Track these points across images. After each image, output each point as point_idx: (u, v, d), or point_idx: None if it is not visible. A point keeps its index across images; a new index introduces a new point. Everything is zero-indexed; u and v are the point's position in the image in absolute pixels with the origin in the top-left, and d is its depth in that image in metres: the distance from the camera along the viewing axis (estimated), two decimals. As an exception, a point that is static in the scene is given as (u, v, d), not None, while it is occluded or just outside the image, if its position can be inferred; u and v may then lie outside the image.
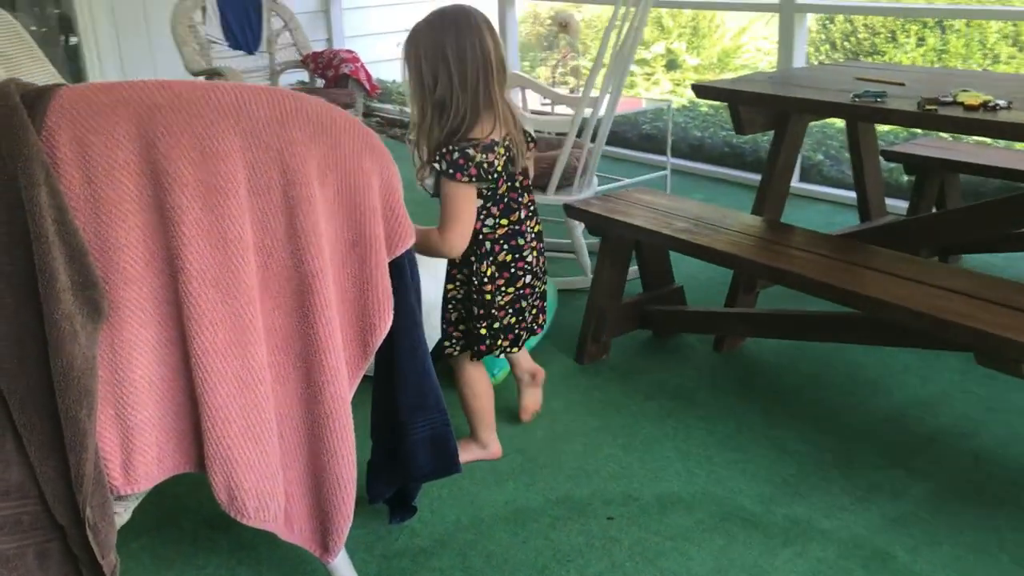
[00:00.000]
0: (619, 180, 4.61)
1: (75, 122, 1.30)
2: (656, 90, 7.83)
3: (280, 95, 1.40)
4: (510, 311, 2.19)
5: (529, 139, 2.16)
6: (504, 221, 2.11)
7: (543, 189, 3.39)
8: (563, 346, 2.97)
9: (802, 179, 4.56)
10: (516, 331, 2.23)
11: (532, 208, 2.20)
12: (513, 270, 2.16)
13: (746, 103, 2.73)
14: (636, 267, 2.97)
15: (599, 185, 4.39)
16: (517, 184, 2.12)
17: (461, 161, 1.93)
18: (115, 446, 1.41)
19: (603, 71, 3.29)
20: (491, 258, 2.12)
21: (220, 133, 1.36)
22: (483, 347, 2.19)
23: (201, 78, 4.73)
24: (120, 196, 1.34)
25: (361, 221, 1.52)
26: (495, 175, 2.00)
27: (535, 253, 2.21)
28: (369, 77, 4.79)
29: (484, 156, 1.95)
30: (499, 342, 2.20)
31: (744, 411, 2.54)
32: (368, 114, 6.94)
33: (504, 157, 2.01)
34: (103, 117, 1.31)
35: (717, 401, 2.60)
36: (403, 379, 1.72)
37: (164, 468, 1.49)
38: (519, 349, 2.27)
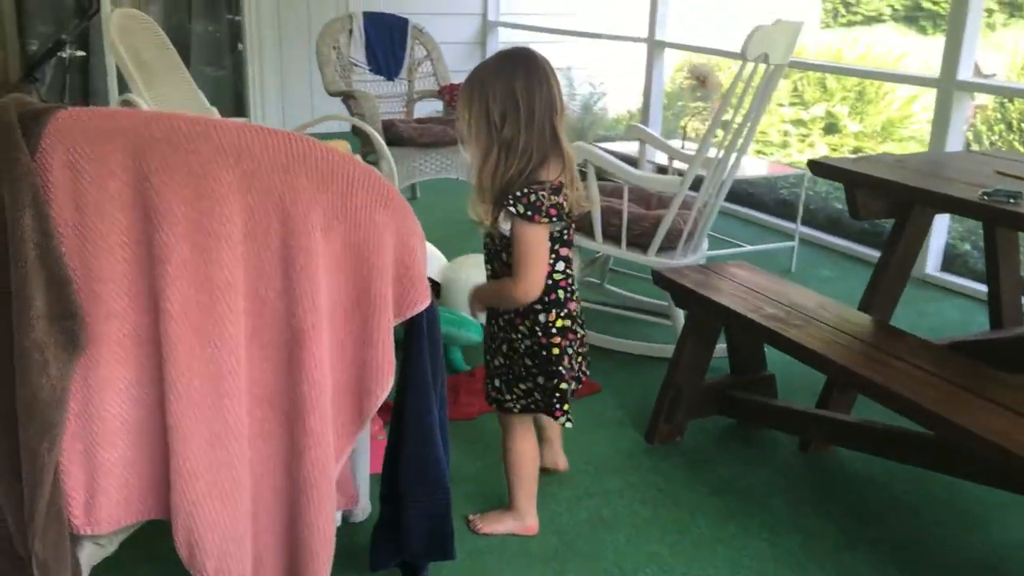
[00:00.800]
0: (740, 246, 4.36)
1: (70, 147, 1.25)
2: (809, 153, 7.47)
3: (288, 139, 1.31)
4: (569, 372, 2.08)
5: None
6: (567, 269, 2.06)
7: (643, 249, 3.22)
8: (636, 419, 2.78)
9: (944, 269, 4.18)
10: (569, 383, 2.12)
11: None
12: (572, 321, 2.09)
13: (863, 187, 2.48)
14: (725, 344, 2.75)
15: (715, 249, 4.17)
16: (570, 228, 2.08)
17: (538, 203, 1.89)
18: (80, 483, 1.35)
19: (722, 128, 3.10)
20: (563, 309, 2.04)
21: (217, 173, 1.28)
22: (560, 408, 2.07)
23: (338, 99, 4.80)
24: (108, 228, 1.28)
25: (367, 278, 1.41)
26: (564, 217, 1.96)
27: (576, 298, 2.13)
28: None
29: (555, 198, 1.92)
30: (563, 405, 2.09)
31: (816, 526, 2.28)
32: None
33: (567, 200, 1.97)
34: (98, 144, 1.25)
35: (789, 509, 2.34)
36: (406, 448, 1.60)
37: (131, 512, 1.41)
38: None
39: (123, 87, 3.78)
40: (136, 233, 1.29)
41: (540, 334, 2.03)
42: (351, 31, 4.95)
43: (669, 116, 6.39)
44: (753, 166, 4.67)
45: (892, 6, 17.77)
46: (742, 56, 2.89)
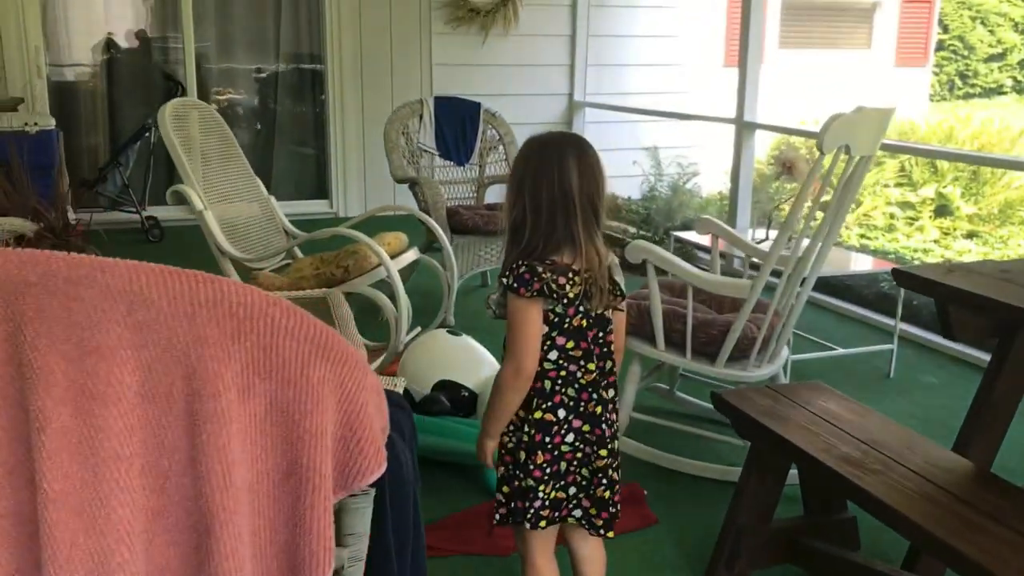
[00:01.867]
0: (832, 348, 3.96)
1: (-68, 291, 1.04)
2: (918, 238, 6.96)
3: (193, 280, 1.07)
4: (547, 474, 1.84)
5: (617, 291, 1.87)
6: (571, 366, 1.83)
7: (711, 359, 2.88)
8: (696, 561, 2.42)
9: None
10: (558, 502, 1.87)
11: (605, 367, 1.87)
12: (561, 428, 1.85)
13: (956, 303, 2.11)
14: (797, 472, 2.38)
15: (802, 353, 3.77)
16: (592, 324, 1.83)
17: (527, 276, 1.75)
18: None
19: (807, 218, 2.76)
20: (546, 402, 1.82)
21: (105, 324, 1.05)
22: (531, 514, 1.85)
23: (404, 186, 4.65)
24: (-24, 387, 1.06)
25: (298, 446, 1.15)
26: (564, 299, 1.78)
27: (600, 422, 1.86)
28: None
29: (552, 275, 1.76)
30: (541, 511, 1.85)
31: None
32: (593, 230, 6.67)
33: (579, 286, 1.78)
34: (-36, 289, 1.04)
35: None
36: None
37: None
38: (556, 523, 1.90)
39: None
40: (11, 394, 1.07)
41: (520, 426, 1.85)
42: (421, 116, 4.82)
43: (764, 199, 6.04)
44: (838, 260, 4.27)
45: (1015, 77, 16.91)
46: (818, 148, 2.57)
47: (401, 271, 3.73)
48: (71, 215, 4.59)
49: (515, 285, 1.76)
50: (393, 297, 3.33)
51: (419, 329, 3.93)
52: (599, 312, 1.81)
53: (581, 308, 1.79)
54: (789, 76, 8.34)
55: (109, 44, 6.80)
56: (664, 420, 3.20)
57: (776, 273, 2.86)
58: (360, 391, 1.19)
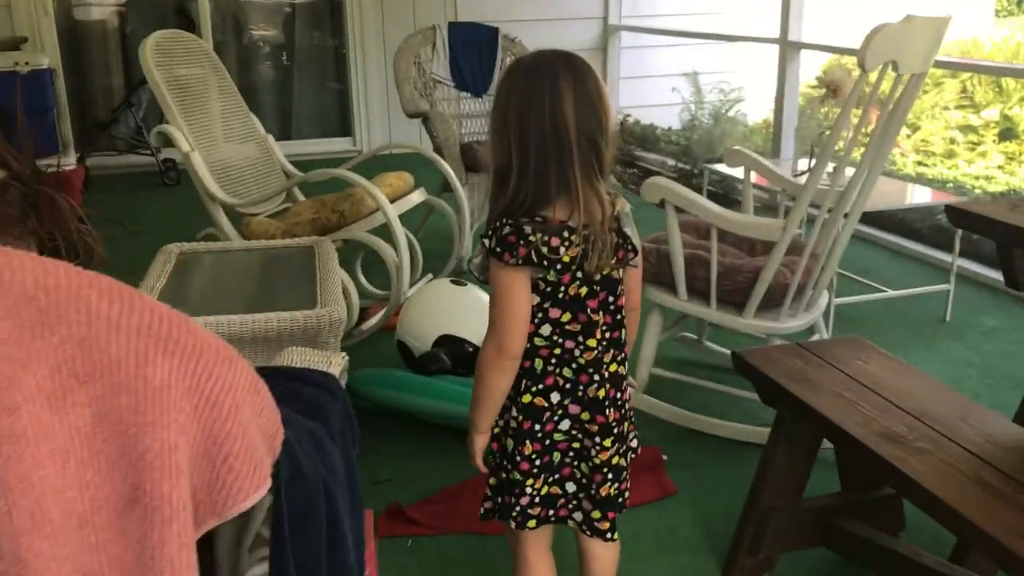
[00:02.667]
0: (881, 290, 3.59)
1: None
2: (980, 164, 6.46)
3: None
4: (536, 466, 1.56)
5: (628, 246, 1.53)
6: (568, 343, 1.52)
7: (739, 308, 2.56)
8: (717, 540, 2.15)
9: None
10: (552, 499, 1.60)
11: (612, 338, 1.56)
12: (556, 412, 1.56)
13: (1022, 246, 1.76)
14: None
15: (847, 295, 3.43)
16: (593, 292, 1.51)
17: (512, 238, 1.44)
18: None
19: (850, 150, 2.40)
20: (537, 384, 1.54)
21: None
22: (519, 512, 1.58)
23: (417, 120, 4.34)
24: None
25: (139, 467, 0.88)
26: (557, 265, 1.46)
27: (603, 407, 1.55)
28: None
29: (543, 236, 1.44)
30: (529, 510, 1.57)
31: None
32: (629, 163, 6.30)
33: (577, 247, 1.46)
34: None
35: None
36: None
37: None
38: (552, 522, 1.62)
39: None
40: None
41: (508, 409, 1.56)
42: (434, 44, 4.48)
43: (812, 125, 5.60)
44: (887, 193, 3.88)
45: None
46: (860, 64, 2.20)
47: (410, 214, 3.45)
48: (69, 159, 4.37)
49: (498, 250, 1.45)
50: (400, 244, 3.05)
51: (430, 277, 3.66)
52: (604, 274, 1.50)
53: (579, 274, 1.48)
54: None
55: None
56: (688, 376, 2.90)
57: (816, 208, 2.53)
58: (226, 393, 0.91)
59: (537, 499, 1.56)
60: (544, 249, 1.43)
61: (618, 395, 1.56)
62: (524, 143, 1.44)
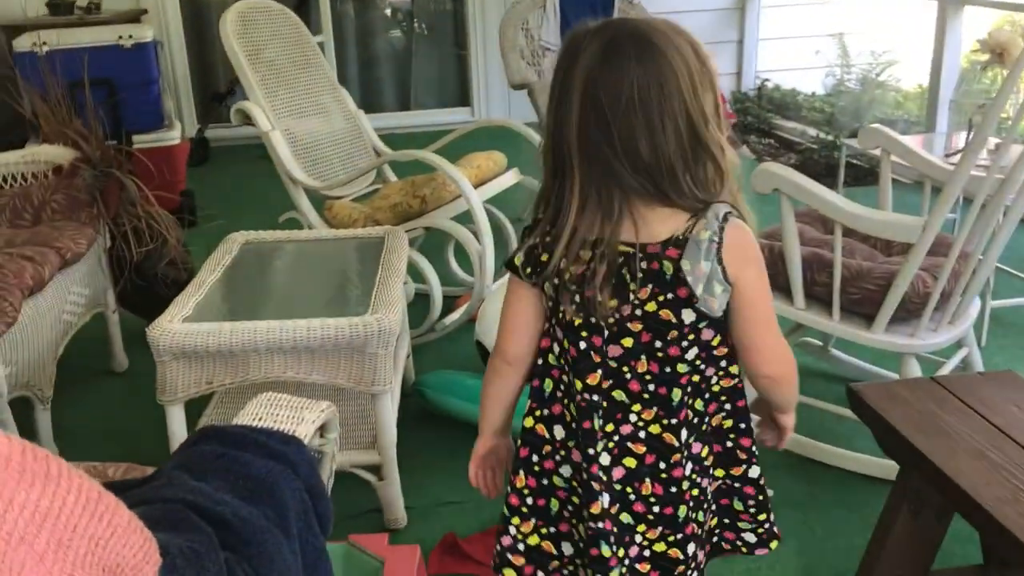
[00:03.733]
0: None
1: None
2: None
3: None
4: (527, 505, 1.31)
5: (675, 284, 1.18)
6: (567, 375, 1.26)
7: (868, 321, 2.16)
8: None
9: None
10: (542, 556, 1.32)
11: (658, 394, 1.24)
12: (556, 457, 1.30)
13: None
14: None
15: (1000, 299, 2.92)
16: (594, 328, 1.22)
17: (522, 239, 1.28)
18: None
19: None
20: (543, 408, 1.29)
21: None
22: (496, 547, 1.34)
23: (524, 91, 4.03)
24: None
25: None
26: (545, 279, 1.22)
27: (589, 474, 1.24)
28: (723, 101, 3.72)
29: (541, 241, 1.22)
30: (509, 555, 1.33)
31: None
32: (766, 132, 5.80)
33: (583, 266, 1.18)
34: None
35: None
36: None
37: None
38: None
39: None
40: None
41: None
42: (544, 8, 4.14)
43: (973, 93, 4.96)
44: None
45: None
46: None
47: (510, 196, 3.17)
48: (173, 134, 4.29)
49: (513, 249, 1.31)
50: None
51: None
52: (609, 319, 1.19)
53: (577, 298, 1.19)
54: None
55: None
56: (808, 392, 2.49)
57: (968, 199, 2.09)
58: (110, 533, 0.65)
59: (521, 546, 1.31)
60: (543, 258, 1.21)
61: (661, 466, 1.24)
62: (556, 135, 1.18)
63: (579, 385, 1.22)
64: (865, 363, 2.69)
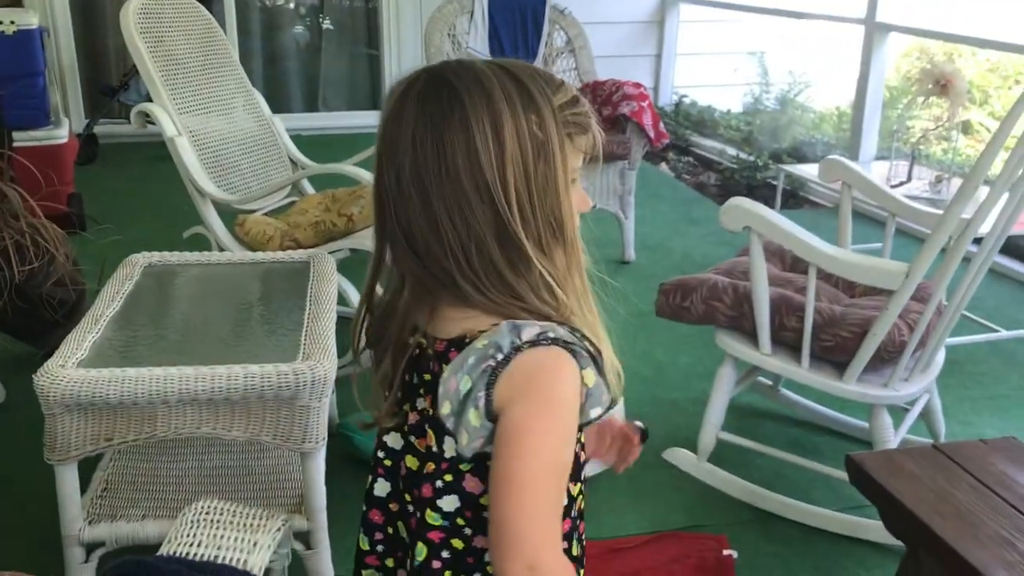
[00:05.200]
0: (994, 330, 3.00)
1: None
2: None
3: None
4: None
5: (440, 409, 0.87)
6: None
7: (839, 369, 2.02)
8: None
9: None
10: None
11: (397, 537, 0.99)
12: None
13: None
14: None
15: (954, 335, 2.84)
16: (387, 452, 1.00)
17: None
18: None
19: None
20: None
21: None
22: None
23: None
24: None
25: None
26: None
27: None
28: (656, 121, 3.58)
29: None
30: None
31: None
32: (684, 150, 5.72)
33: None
34: None
35: None
36: None
37: None
38: None
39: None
40: None
41: None
42: (472, 13, 3.92)
43: (893, 117, 4.97)
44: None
45: None
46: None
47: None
48: (61, 131, 3.89)
49: None
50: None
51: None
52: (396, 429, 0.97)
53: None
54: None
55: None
56: (759, 439, 2.34)
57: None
58: None
59: None
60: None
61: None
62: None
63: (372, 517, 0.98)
64: (817, 405, 2.56)
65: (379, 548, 0.98)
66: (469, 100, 0.84)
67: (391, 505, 0.96)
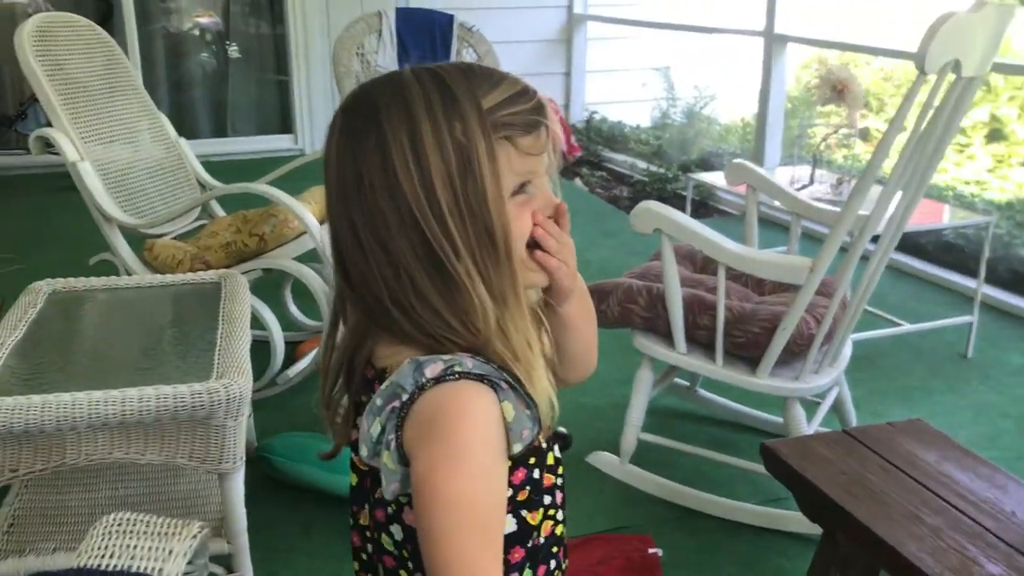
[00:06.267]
0: (896, 323, 3.11)
1: None
2: (970, 167, 6.06)
3: None
4: None
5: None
6: None
7: (751, 365, 2.07)
8: None
9: None
10: None
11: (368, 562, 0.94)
12: None
13: None
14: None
15: (859, 331, 2.93)
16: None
17: None
18: None
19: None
20: None
21: None
22: None
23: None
24: None
25: None
26: None
27: None
28: (568, 134, 3.64)
29: None
30: None
31: None
32: (597, 165, 5.80)
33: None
34: None
35: None
36: None
37: None
38: None
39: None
40: None
41: None
42: (380, 33, 3.92)
43: (795, 126, 5.14)
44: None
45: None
46: (919, 66, 1.71)
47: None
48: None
49: None
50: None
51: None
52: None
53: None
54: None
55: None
56: (679, 438, 2.38)
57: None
58: None
59: None
60: None
61: None
62: None
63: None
64: (734, 403, 2.62)
65: (363, 572, 0.94)
66: (386, 116, 0.79)
67: (368, 532, 0.91)
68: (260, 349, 2.62)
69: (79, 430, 1.61)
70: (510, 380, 0.80)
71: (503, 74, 0.84)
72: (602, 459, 2.33)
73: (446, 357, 0.79)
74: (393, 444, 0.78)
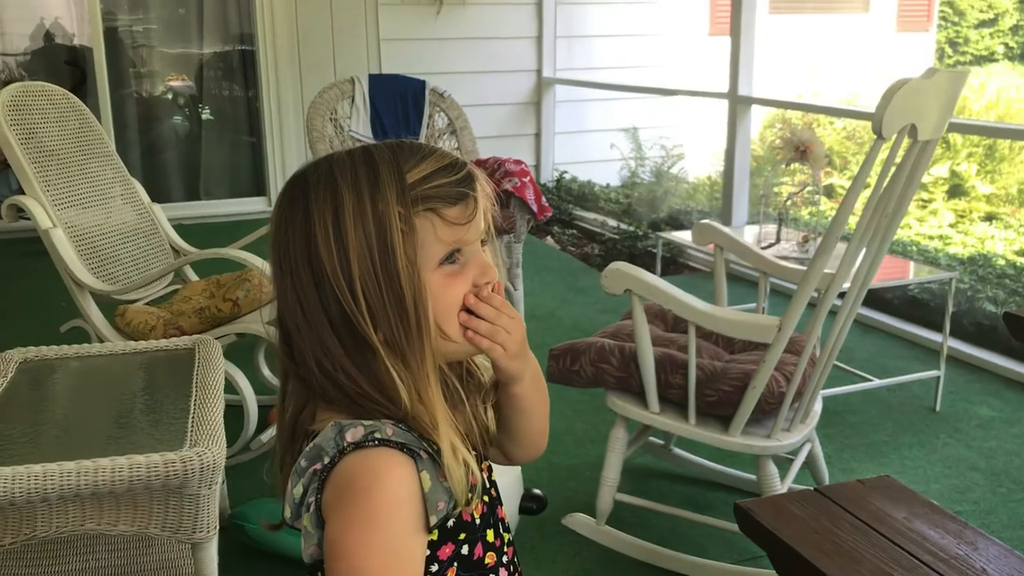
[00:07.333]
0: (866, 379, 3.15)
1: None
2: (932, 222, 6.20)
3: None
4: None
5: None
6: None
7: (724, 423, 2.09)
8: None
9: None
10: None
11: None
12: None
13: None
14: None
15: (828, 387, 2.97)
16: None
17: None
18: None
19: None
20: None
21: None
22: None
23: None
24: None
25: None
26: None
27: None
28: (538, 196, 3.68)
29: None
30: None
31: None
32: (568, 223, 5.86)
33: None
34: None
35: None
36: None
37: None
38: None
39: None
40: None
41: None
42: (353, 98, 3.98)
43: (760, 184, 5.24)
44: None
45: (1006, 43, 16.23)
46: (875, 130, 1.77)
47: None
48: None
49: None
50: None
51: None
52: None
53: None
54: (781, 45, 7.52)
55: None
56: (654, 498, 2.39)
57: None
58: None
59: None
60: None
61: None
62: None
63: None
64: (708, 461, 2.63)
65: None
66: (315, 194, 0.84)
67: None
68: (233, 414, 2.61)
69: (50, 501, 1.59)
70: (430, 450, 0.82)
71: (433, 149, 0.88)
72: (578, 520, 2.33)
73: (367, 423, 0.82)
74: (313, 506, 0.80)
